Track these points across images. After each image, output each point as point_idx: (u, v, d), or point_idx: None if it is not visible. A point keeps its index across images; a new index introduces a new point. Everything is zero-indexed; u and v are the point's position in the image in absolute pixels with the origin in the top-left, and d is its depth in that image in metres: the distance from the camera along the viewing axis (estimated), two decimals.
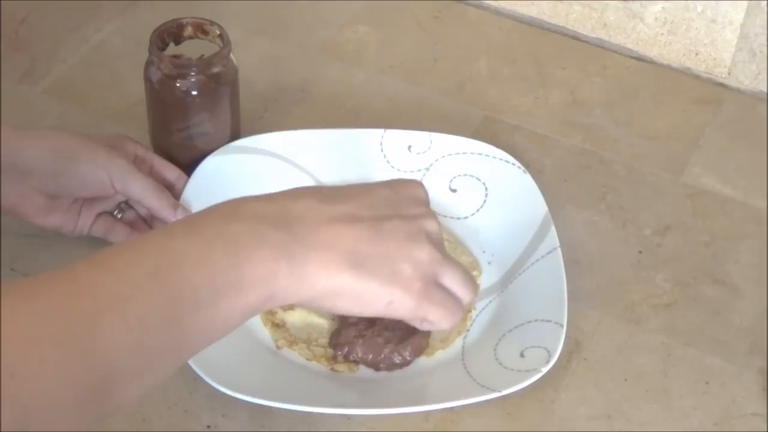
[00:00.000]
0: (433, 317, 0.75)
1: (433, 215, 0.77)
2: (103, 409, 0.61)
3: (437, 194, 0.98)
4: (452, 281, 0.76)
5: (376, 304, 0.72)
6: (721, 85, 1.14)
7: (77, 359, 0.59)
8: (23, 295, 0.60)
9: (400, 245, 0.73)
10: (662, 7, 1.13)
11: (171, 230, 0.68)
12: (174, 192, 0.95)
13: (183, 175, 0.96)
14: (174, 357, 0.65)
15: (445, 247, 0.94)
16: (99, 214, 0.93)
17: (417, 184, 0.80)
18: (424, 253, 0.74)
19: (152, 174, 0.95)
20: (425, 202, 0.78)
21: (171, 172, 0.96)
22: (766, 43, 1.10)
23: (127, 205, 0.94)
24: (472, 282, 0.78)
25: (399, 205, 0.75)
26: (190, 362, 0.82)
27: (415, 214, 0.75)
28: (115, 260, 0.64)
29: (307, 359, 0.87)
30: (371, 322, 0.88)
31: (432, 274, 0.74)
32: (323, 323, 0.89)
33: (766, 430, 0.85)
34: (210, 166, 0.97)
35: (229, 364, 0.84)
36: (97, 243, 0.93)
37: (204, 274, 0.65)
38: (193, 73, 0.95)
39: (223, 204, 0.70)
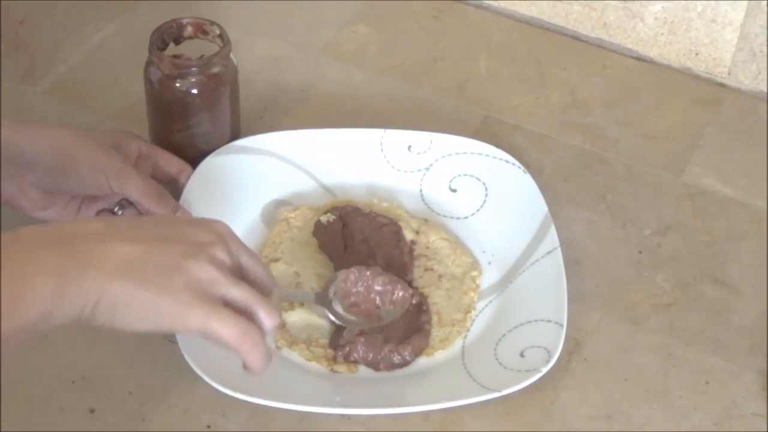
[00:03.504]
0: (222, 334, 0.72)
1: (225, 246, 0.74)
2: None
3: (437, 194, 0.99)
4: (244, 303, 0.73)
5: (147, 316, 0.70)
6: (721, 85, 1.14)
7: None
8: None
9: (177, 260, 0.71)
10: (662, 7, 1.13)
11: None
12: (177, 185, 0.95)
13: (187, 168, 0.96)
14: None
15: (446, 246, 0.95)
16: (99, 211, 0.93)
17: (218, 222, 0.77)
18: (201, 271, 0.71)
19: (155, 169, 0.95)
20: (221, 234, 0.75)
21: (174, 165, 0.96)
22: (766, 43, 1.10)
23: (128, 202, 0.93)
24: (267, 305, 0.74)
25: (189, 232, 0.74)
26: (190, 362, 0.82)
27: (203, 240, 0.73)
28: None
29: (307, 359, 0.87)
30: None
31: (211, 292, 0.72)
32: (323, 323, 0.89)
33: (766, 430, 0.85)
34: (210, 166, 0.96)
35: (229, 364, 0.84)
36: None
37: None
38: (193, 73, 0.95)
39: (11, 230, 0.69)
